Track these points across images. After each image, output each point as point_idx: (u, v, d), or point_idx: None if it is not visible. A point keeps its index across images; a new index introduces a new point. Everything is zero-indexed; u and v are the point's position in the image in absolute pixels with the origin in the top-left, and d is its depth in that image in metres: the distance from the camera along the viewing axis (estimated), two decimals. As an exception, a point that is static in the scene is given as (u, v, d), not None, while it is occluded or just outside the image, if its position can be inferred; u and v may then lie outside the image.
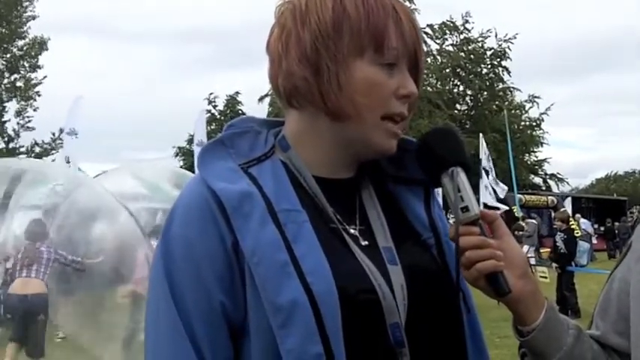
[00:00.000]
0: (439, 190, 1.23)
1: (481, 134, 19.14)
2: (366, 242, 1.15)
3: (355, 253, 1.12)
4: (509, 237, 1.16)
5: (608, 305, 1.24)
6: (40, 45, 31.63)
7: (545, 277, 12.68)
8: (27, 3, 31.37)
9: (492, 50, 28.02)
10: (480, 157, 17.14)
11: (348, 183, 1.19)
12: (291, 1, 1.17)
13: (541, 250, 18.54)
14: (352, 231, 1.15)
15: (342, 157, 1.18)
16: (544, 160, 33.19)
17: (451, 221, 1.17)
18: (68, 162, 15.01)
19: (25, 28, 31.51)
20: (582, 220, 21.33)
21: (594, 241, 19.30)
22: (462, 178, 1.13)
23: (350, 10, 1.12)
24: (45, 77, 31.71)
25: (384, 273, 1.11)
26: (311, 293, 1.03)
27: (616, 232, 26.34)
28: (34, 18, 31.56)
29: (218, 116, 29.92)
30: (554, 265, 12.81)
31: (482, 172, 16.45)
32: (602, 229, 27.59)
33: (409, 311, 1.10)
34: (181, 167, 30.15)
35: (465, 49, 28.03)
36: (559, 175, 34.54)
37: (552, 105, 29.06)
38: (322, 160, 1.17)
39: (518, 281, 1.12)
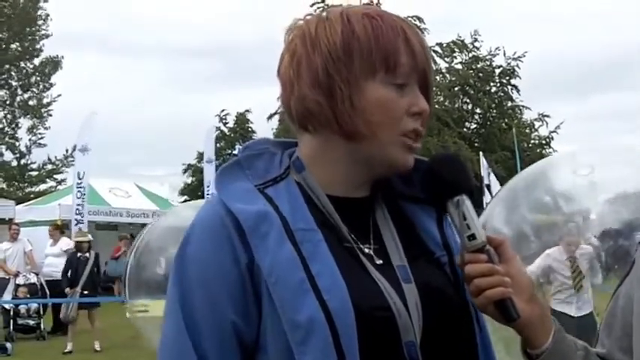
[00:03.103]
0: None
1: (481, 153, 19.15)
2: (381, 261, 1.15)
3: (370, 272, 1.13)
4: (515, 261, 1.16)
5: (612, 322, 1.24)
6: (54, 64, 31.84)
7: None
8: (41, 21, 31.64)
9: (501, 68, 28.00)
10: (482, 174, 17.32)
11: (362, 202, 1.20)
12: (301, 28, 1.18)
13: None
14: (367, 250, 1.16)
15: (356, 176, 1.19)
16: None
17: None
18: (80, 178, 15.08)
19: (39, 46, 31.74)
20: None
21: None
22: (468, 205, 1.14)
23: (359, 33, 1.13)
24: (59, 96, 31.89)
25: (399, 291, 1.11)
26: (327, 310, 1.04)
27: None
28: (47, 37, 31.81)
29: (228, 133, 29.96)
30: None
31: (485, 189, 16.71)
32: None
33: (424, 329, 1.11)
34: (190, 184, 30.25)
35: (473, 67, 28.02)
36: (569, 194, 34.19)
37: (562, 123, 28.89)
38: (336, 180, 1.18)
39: (526, 306, 1.12)
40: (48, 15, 31.74)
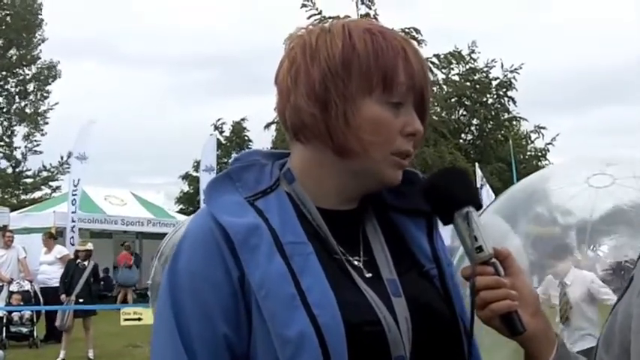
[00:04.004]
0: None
1: (477, 164, 19.24)
2: (370, 274, 1.15)
3: (359, 285, 1.12)
4: (521, 274, 1.15)
5: (611, 339, 1.23)
6: (50, 70, 31.83)
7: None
8: (37, 27, 31.67)
9: (498, 80, 28.08)
10: (477, 185, 17.47)
11: (352, 214, 1.20)
12: (302, 36, 1.18)
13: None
14: (356, 263, 1.16)
15: (346, 189, 1.18)
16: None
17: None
18: (75, 186, 15.06)
19: (36, 52, 31.77)
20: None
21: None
22: (476, 218, 1.13)
23: (359, 49, 1.13)
24: (56, 103, 31.90)
25: (389, 305, 1.11)
26: (317, 325, 1.04)
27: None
28: (43, 41, 31.84)
29: (224, 142, 29.98)
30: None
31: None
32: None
33: (413, 343, 1.10)
34: (186, 193, 30.22)
35: (470, 78, 28.08)
36: (564, 206, 34.21)
37: (558, 135, 28.92)
38: (326, 192, 1.18)
39: (531, 319, 1.12)
40: (42, 20, 31.80)
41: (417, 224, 1.23)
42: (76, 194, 15.11)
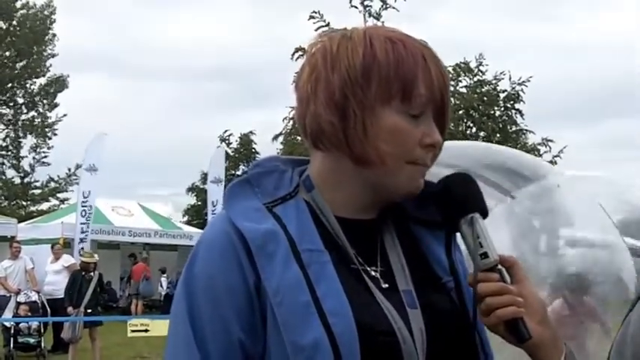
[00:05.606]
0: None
1: None
2: (387, 285, 1.14)
3: (375, 296, 1.12)
4: (527, 282, 1.15)
5: (623, 348, 1.23)
6: (60, 84, 32.00)
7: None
8: (48, 41, 31.88)
9: (506, 93, 28.04)
10: None
11: (371, 224, 1.19)
12: (323, 42, 1.18)
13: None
14: (373, 273, 1.15)
15: (365, 199, 1.18)
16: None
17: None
18: (85, 197, 15.10)
19: (46, 66, 31.95)
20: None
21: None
22: (481, 224, 1.13)
23: (380, 58, 1.12)
24: (65, 115, 32.03)
25: (404, 316, 1.11)
26: (331, 333, 1.03)
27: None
28: (53, 56, 32.04)
29: (232, 154, 30.02)
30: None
31: None
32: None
33: (428, 355, 1.10)
34: (194, 205, 30.24)
35: (478, 91, 28.04)
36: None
37: (565, 147, 28.86)
38: (345, 201, 1.17)
39: (537, 327, 1.12)
40: (55, 35, 32.04)
41: (436, 236, 1.22)
42: (85, 206, 15.13)
